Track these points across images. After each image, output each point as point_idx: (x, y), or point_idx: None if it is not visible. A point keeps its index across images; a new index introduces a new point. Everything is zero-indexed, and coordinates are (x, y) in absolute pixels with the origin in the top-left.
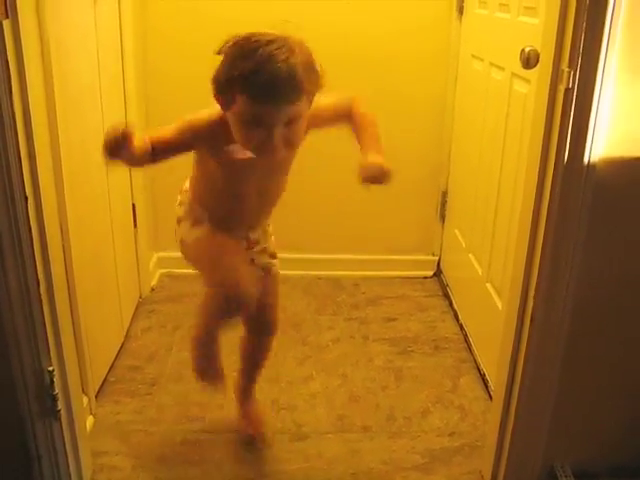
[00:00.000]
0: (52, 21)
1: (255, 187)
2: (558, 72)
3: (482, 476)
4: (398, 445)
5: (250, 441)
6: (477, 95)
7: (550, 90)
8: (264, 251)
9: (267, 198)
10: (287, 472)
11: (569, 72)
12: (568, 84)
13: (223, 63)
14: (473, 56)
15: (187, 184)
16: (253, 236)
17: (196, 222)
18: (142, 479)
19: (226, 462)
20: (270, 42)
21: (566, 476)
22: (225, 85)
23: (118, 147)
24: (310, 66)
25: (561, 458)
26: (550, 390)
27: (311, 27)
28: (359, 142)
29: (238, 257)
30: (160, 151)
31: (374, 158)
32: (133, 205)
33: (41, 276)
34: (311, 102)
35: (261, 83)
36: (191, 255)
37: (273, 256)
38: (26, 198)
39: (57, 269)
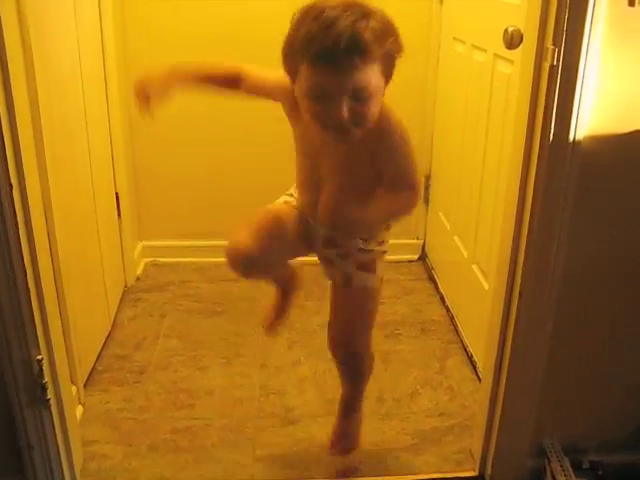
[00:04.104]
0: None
1: (330, 166)
2: (542, 50)
3: (472, 455)
4: (388, 426)
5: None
6: (459, 78)
7: (534, 68)
8: (346, 257)
9: (344, 186)
10: (279, 456)
11: (553, 49)
12: (552, 61)
13: (288, 32)
14: (455, 39)
15: None
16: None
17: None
18: (133, 466)
19: (217, 448)
20: (337, 6)
21: (556, 452)
22: (289, 55)
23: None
24: (386, 34)
25: (550, 435)
26: (539, 366)
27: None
28: None
29: (271, 236)
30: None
31: None
32: (117, 194)
33: (28, 265)
34: (388, 75)
35: (321, 47)
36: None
37: (362, 268)
38: (11, 185)
39: (43, 258)
